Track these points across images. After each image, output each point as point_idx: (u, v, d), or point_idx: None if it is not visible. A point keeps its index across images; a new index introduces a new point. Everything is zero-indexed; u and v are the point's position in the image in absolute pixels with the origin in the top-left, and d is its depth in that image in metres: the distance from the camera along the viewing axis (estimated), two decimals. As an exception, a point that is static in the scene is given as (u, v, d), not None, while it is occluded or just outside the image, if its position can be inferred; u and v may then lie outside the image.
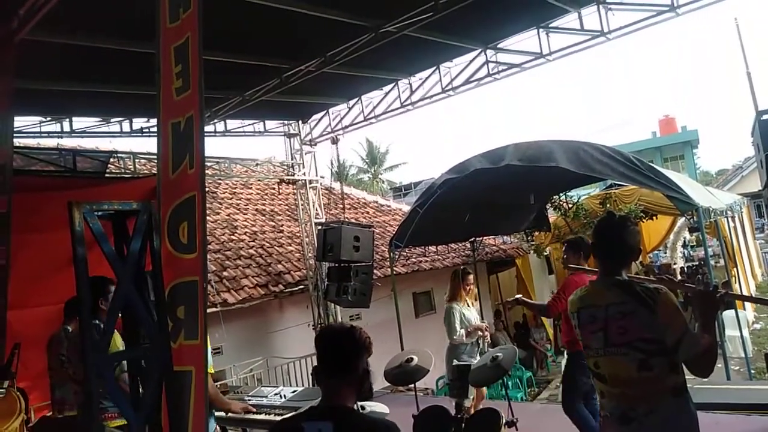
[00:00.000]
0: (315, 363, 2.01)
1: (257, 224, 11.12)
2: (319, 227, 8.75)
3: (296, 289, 9.12)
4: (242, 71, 6.63)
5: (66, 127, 7.50)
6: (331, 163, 11.18)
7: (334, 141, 9.40)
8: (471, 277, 6.51)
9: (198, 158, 2.22)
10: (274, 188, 12.37)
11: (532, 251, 13.49)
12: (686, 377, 2.37)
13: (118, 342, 3.17)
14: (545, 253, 13.79)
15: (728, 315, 8.93)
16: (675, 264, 17.34)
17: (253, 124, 9.25)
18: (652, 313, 2.28)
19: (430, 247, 11.27)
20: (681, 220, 14.47)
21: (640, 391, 2.32)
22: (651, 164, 7.02)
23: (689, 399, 2.36)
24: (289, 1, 5.18)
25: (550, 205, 12.36)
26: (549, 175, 7.96)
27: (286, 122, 9.62)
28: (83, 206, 2.20)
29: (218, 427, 4.55)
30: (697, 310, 2.32)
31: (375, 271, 8.64)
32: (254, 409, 4.30)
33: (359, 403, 3.86)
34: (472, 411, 4.69)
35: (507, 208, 10.64)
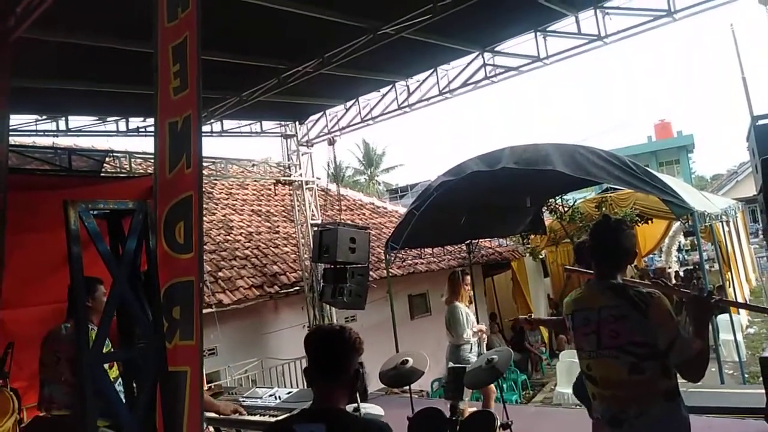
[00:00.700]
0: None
1: (253, 225, 11.10)
2: (315, 228, 8.75)
3: (292, 290, 9.10)
4: (240, 71, 6.62)
5: (62, 125, 7.47)
6: (328, 165, 11.15)
7: (331, 142, 9.40)
8: (468, 278, 6.56)
9: (195, 158, 2.22)
10: (270, 189, 12.35)
11: (527, 254, 13.52)
12: (679, 381, 2.38)
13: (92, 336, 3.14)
14: (541, 256, 13.83)
15: (722, 319, 8.97)
16: (670, 268, 17.41)
17: (250, 124, 9.24)
18: (644, 317, 2.30)
19: (425, 249, 11.28)
20: (676, 225, 14.54)
21: (631, 393, 2.33)
22: (647, 168, 7.05)
23: (681, 403, 2.36)
24: (287, 1, 5.19)
25: (546, 208, 12.41)
26: (545, 178, 7.99)
27: (283, 123, 9.61)
28: (78, 205, 2.19)
29: (211, 429, 4.53)
30: (691, 315, 2.33)
31: (371, 272, 8.63)
32: (244, 411, 4.28)
33: (354, 405, 3.87)
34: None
35: (503, 211, 10.66)
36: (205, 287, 7.61)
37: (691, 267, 18.62)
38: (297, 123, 9.62)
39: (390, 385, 4.94)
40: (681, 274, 17.51)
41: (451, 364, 5.50)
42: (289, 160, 9.72)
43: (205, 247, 8.52)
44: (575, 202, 13.05)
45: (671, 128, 37.53)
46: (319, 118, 9.50)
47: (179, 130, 2.29)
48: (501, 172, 7.41)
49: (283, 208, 12.32)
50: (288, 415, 2.11)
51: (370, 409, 4.35)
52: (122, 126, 8.01)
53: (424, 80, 8.05)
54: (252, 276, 8.86)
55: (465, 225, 10.00)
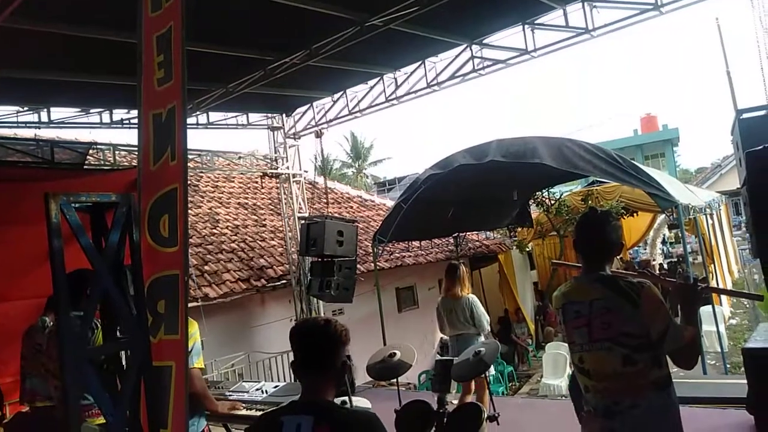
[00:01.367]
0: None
1: (239, 218, 11.03)
2: (303, 221, 8.71)
3: (279, 283, 9.07)
4: (226, 63, 6.55)
5: (44, 117, 7.36)
6: (315, 158, 11.14)
7: (318, 135, 9.36)
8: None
9: (180, 150, 2.18)
10: (256, 182, 12.29)
11: (514, 247, 13.58)
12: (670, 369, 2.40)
13: (100, 338, 3.11)
14: (527, 249, 13.90)
15: (705, 310, 9.08)
16: (654, 260, 17.62)
17: (236, 116, 9.16)
18: (635, 307, 2.30)
19: (413, 243, 11.30)
20: (661, 217, 14.71)
21: (624, 385, 2.34)
22: (632, 161, 7.11)
23: (673, 392, 2.38)
24: (273, -8, 5.13)
25: (532, 201, 12.47)
26: (532, 171, 8.02)
27: (269, 115, 9.54)
28: (60, 198, 2.14)
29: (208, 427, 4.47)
30: (679, 303, 2.35)
31: (358, 265, 8.63)
32: (243, 407, 4.21)
33: (344, 399, 3.86)
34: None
35: (490, 204, 10.70)
36: (190, 281, 7.56)
37: (676, 259, 18.84)
38: (284, 115, 9.55)
39: (377, 378, 4.93)
40: (665, 266, 17.73)
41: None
42: (276, 153, 9.66)
43: (190, 240, 8.46)
44: (562, 195, 13.12)
45: (657, 122, 37.88)
46: (306, 111, 9.45)
47: (163, 122, 2.25)
48: (488, 165, 7.42)
49: (269, 201, 12.26)
50: (276, 407, 2.10)
51: (357, 402, 4.35)
52: (106, 118, 7.90)
53: (412, 73, 8.04)
54: (238, 269, 8.81)
55: (452, 218, 10.02)
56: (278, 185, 10.14)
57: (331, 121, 9.15)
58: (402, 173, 30.16)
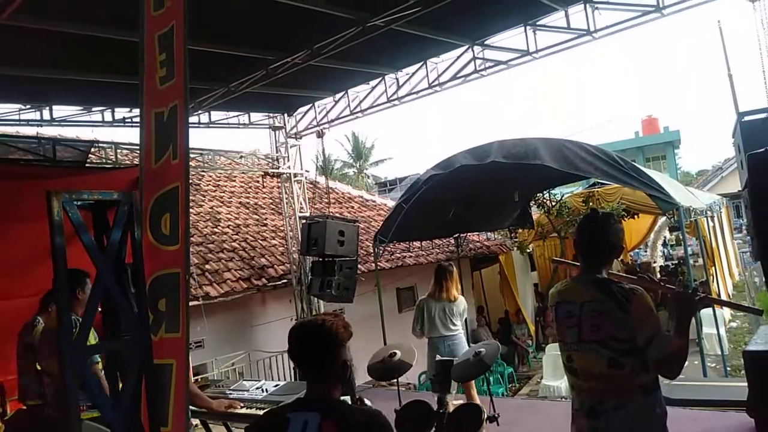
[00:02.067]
0: (296, 358, 1.99)
1: (240, 217, 11.04)
2: (304, 221, 8.72)
3: (279, 283, 9.08)
4: (228, 62, 6.55)
5: (46, 115, 7.36)
6: (317, 157, 11.14)
7: (320, 135, 9.35)
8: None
9: (182, 149, 2.19)
10: (258, 181, 12.28)
11: (515, 248, 13.57)
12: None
13: (91, 337, 3.12)
14: (528, 250, 13.89)
15: (705, 313, 9.08)
16: (655, 262, 17.59)
17: (237, 116, 9.16)
18: (625, 313, 2.31)
19: (414, 243, 11.29)
20: (662, 220, 14.68)
21: (609, 386, 2.35)
22: (634, 163, 7.11)
23: (659, 397, 2.39)
24: (276, -8, 5.14)
25: (533, 202, 12.45)
26: (533, 172, 8.02)
27: (271, 115, 9.54)
28: (62, 195, 2.15)
29: (198, 422, 4.47)
30: (674, 310, 2.34)
31: (359, 265, 8.63)
32: (240, 406, 4.17)
33: (344, 398, 3.86)
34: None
35: (491, 205, 10.69)
36: (191, 279, 7.57)
37: (676, 262, 18.80)
38: (285, 115, 9.56)
39: (378, 378, 4.94)
40: (669, 266, 17.68)
41: (438, 357, 5.50)
42: (277, 152, 9.66)
43: (192, 239, 8.48)
44: (563, 196, 13.11)
45: (658, 124, 37.86)
46: (307, 110, 9.45)
47: (165, 121, 2.26)
48: (489, 166, 7.42)
49: (271, 201, 12.26)
50: (283, 404, 2.10)
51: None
52: (108, 116, 7.91)
53: (413, 73, 8.04)
54: (239, 269, 8.81)
55: (453, 219, 10.01)
56: (279, 185, 10.14)
57: (332, 121, 9.15)
58: (403, 173, 30.22)
